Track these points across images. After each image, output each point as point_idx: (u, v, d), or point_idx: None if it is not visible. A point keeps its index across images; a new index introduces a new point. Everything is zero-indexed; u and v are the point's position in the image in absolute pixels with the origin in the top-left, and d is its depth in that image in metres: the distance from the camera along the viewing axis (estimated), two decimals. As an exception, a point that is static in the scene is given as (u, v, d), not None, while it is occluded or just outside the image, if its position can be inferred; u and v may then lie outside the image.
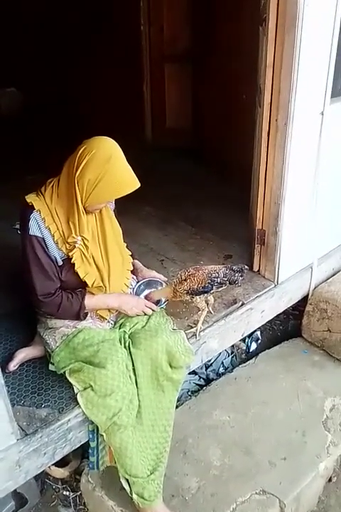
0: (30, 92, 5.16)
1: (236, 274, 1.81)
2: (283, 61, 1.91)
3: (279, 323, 2.82)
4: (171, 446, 1.74)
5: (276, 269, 2.33)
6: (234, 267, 1.84)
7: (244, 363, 2.44)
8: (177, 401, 1.99)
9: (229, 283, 1.82)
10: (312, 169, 2.24)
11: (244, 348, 2.64)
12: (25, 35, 5.03)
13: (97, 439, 1.65)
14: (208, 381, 2.36)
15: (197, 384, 2.36)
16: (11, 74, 5.13)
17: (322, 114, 2.12)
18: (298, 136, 2.05)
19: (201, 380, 2.39)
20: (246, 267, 1.88)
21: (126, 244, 1.93)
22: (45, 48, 4.86)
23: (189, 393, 2.30)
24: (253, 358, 2.44)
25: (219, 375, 2.41)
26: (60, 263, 1.67)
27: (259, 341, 2.68)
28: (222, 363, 2.51)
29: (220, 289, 1.84)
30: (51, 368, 1.73)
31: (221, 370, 2.47)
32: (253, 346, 2.65)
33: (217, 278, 1.79)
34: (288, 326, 2.80)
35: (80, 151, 1.57)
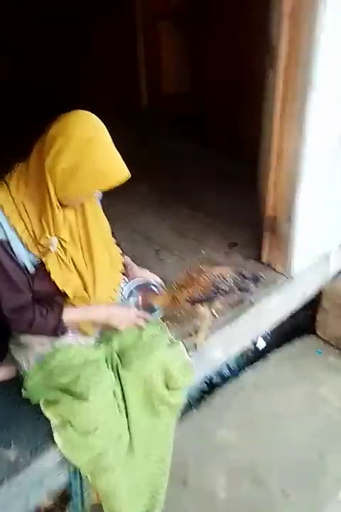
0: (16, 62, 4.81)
1: (247, 281, 1.52)
2: (303, 8, 1.58)
3: (289, 316, 2.57)
4: (170, 471, 1.53)
5: (289, 261, 2.08)
6: (245, 273, 1.55)
7: (252, 362, 2.22)
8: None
9: (239, 290, 1.53)
10: (334, 145, 1.93)
11: (251, 346, 2.38)
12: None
13: (80, 480, 1.40)
14: (211, 386, 2.14)
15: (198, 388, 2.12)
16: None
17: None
18: (320, 105, 1.74)
19: (203, 384, 2.15)
20: (262, 275, 1.61)
21: (115, 241, 1.63)
22: (29, 13, 4.47)
23: (189, 400, 2.06)
24: (261, 359, 2.22)
25: (223, 378, 2.18)
26: (32, 270, 1.36)
27: (268, 338, 2.43)
28: (227, 364, 2.26)
29: (226, 297, 1.55)
30: (24, 394, 1.46)
31: (226, 372, 2.23)
32: (262, 343, 2.39)
33: (222, 284, 1.50)
34: (299, 319, 2.55)
35: (52, 131, 1.24)
